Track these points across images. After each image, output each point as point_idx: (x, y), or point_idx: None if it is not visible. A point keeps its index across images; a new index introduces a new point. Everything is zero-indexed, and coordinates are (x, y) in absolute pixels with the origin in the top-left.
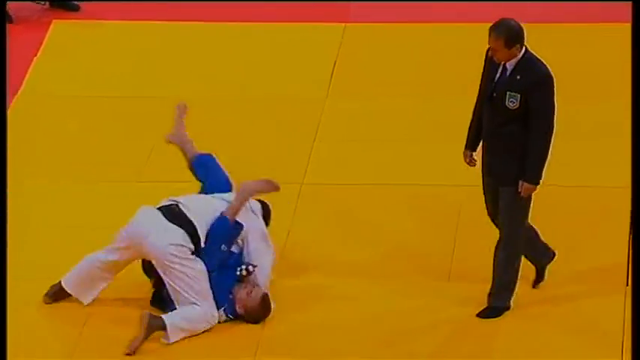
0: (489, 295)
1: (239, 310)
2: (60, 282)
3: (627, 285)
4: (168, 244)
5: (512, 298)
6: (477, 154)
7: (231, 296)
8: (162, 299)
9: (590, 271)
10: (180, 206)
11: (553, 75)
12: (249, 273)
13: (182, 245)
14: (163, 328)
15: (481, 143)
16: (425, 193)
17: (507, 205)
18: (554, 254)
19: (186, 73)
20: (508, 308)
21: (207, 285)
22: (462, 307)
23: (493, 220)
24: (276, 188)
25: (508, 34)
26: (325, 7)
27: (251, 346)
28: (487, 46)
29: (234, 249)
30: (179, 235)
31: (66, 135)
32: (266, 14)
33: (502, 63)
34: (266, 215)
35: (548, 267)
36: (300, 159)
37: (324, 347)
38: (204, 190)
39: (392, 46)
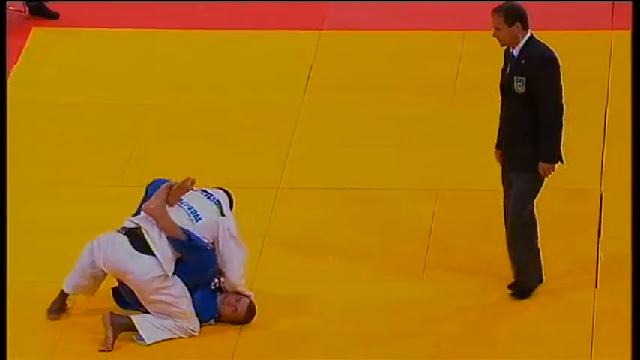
0: (515, 281)
1: (224, 320)
2: (62, 291)
3: (596, 287)
4: (151, 277)
5: (542, 271)
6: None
7: (216, 310)
8: (123, 295)
9: (559, 273)
10: (143, 231)
11: (558, 57)
12: (221, 285)
13: (160, 275)
14: (131, 327)
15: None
16: (397, 196)
17: (516, 189)
18: (541, 280)
19: (163, 79)
20: (541, 281)
21: (189, 306)
22: (437, 305)
23: (504, 204)
24: (185, 189)
25: (507, 10)
26: (301, 14)
27: (228, 348)
28: (458, 53)
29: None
30: (155, 265)
31: (46, 141)
32: (243, 22)
33: (510, 52)
34: (230, 202)
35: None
36: (276, 163)
37: (300, 350)
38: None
39: (366, 52)
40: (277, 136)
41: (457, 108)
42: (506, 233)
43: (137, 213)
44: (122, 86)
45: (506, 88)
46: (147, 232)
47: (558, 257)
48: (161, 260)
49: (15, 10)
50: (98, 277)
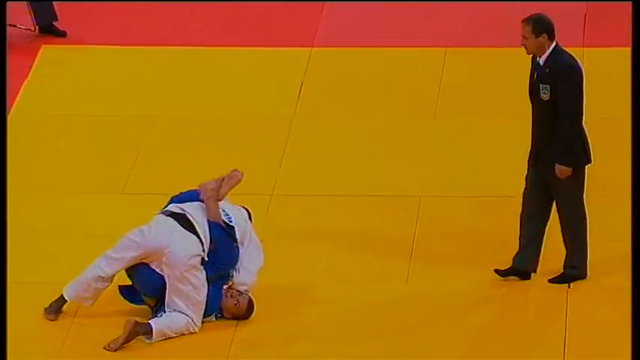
0: (565, 268)
1: (227, 315)
2: (62, 296)
3: (569, 287)
4: (189, 255)
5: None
6: None
7: (220, 307)
8: (130, 289)
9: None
10: (188, 216)
11: (580, 66)
12: (229, 285)
13: (198, 255)
14: (149, 332)
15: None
16: (383, 202)
17: (563, 190)
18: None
19: (164, 93)
20: (585, 276)
21: (204, 296)
22: (420, 305)
23: (523, 198)
24: (237, 177)
25: (536, 21)
26: (293, 33)
27: (224, 347)
28: (440, 68)
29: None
30: (197, 245)
31: (55, 151)
32: (239, 40)
33: (537, 60)
34: (249, 218)
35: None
36: (270, 172)
37: (294, 348)
38: (174, 201)
39: (354, 68)
40: (271, 146)
41: (439, 120)
42: (563, 230)
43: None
44: (125, 99)
45: (534, 94)
46: (191, 216)
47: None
48: (203, 241)
49: (25, 29)
50: (99, 291)
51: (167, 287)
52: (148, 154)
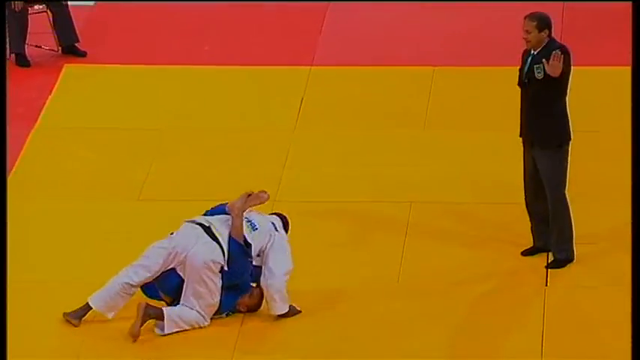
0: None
1: (242, 309)
2: (87, 304)
3: (546, 285)
4: (210, 259)
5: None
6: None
7: (235, 303)
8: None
9: (507, 275)
10: (213, 228)
11: (569, 49)
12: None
13: (218, 262)
14: (160, 316)
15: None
16: (376, 207)
17: (547, 168)
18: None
19: (174, 108)
20: (571, 259)
21: (217, 300)
22: (412, 303)
23: (525, 181)
24: (261, 198)
25: (540, 18)
26: (293, 53)
27: (229, 343)
28: (429, 85)
29: (255, 262)
30: (218, 252)
31: (76, 160)
32: (243, 59)
33: (531, 53)
34: (285, 225)
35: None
36: (272, 180)
37: (300, 345)
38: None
39: (350, 85)
40: (273, 156)
41: (428, 131)
42: (549, 208)
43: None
44: (140, 114)
45: (526, 80)
46: (216, 228)
47: (508, 256)
48: (224, 251)
49: (50, 50)
50: (123, 300)
51: (185, 287)
52: (161, 163)
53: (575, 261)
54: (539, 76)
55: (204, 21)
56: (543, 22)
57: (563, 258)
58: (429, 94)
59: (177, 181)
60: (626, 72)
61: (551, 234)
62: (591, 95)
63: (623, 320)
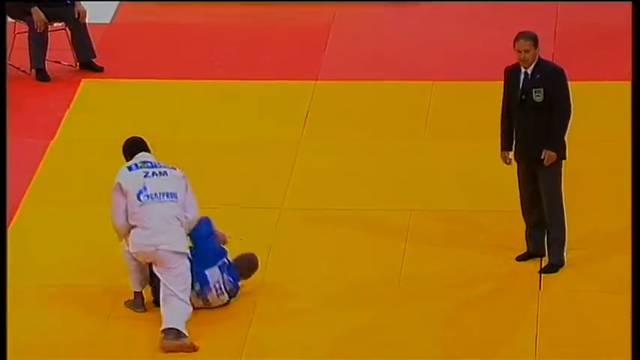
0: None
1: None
2: (135, 293)
3: (540, 289)
4: (180, 249)
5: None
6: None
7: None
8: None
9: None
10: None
11: (564, 69)
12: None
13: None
14: (179, 333)
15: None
16: (378, 215)
17: (548, 181)
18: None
19: (187, 120)
20: (563, 264)
21: (190, 281)
22: (413, 305)
23: (522, 195)
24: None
25: (534, 37)
26: (299, 68)
27: (237, 347)
28: (428, 98)
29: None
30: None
31: (92, 170)
32: (252, 74)
33: (523, 71)
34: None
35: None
36: (279, 189)
37: (303, 349)
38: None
39: (354, 98)
40: (280, 166)
41: (428, 142)
42: (546, 215)
43: None
44: (153, 125)
45: (524, 100)
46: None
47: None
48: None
49: (68, 65)
50: (145, 269)
51: (163, 280)
52: None
53: (567, 266)
54: (538, 99)
55: (213, 38)
56: (537, 40)
57: (557, 262)
58: (428, 106)
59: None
60: (614, 86)
61: (547, 240)
62: (583, 109)
63: (616, 322)
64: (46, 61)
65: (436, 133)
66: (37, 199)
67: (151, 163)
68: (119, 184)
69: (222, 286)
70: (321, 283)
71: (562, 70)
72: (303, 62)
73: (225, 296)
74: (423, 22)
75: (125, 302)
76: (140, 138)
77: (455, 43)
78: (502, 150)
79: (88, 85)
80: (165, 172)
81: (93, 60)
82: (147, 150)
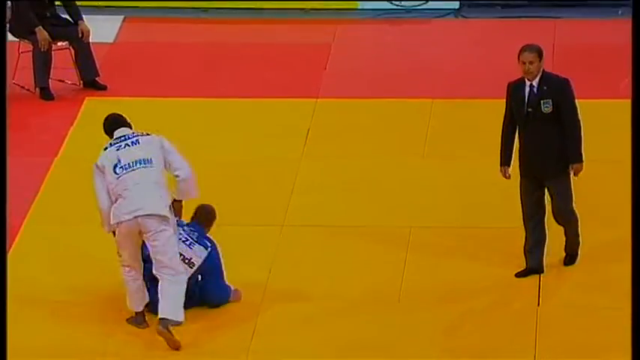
0: (566, 257)
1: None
2: (138, 311)
3: (538, 305)
4: (160, 212)
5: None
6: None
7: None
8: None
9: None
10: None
11: (569, 79)
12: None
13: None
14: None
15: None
16: (378, 232)
17: (560, 191)
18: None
19: (189, 138)
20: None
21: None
22: (413, 319)
23: (526, 208)
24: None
25: (539, 49)
26: (300, 86)
27: (243, 346)
28: (427, 116)
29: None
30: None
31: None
32: (254, 92)
33: (528, 84)
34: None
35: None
36: (280, 206)
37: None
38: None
39: (354, 116)
40: (282, 183)
41: (427, 159)
42: (561, 222)
43: None
44: None
45: (531, 112)
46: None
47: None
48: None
49: (72, 84)
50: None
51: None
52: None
53: (566, 281)
54: (547, 110)
55: (215, 56)
56: (542, 52)
57: (576, 254)
58: (427, 124)
59: (193, 204)
60: (612, 105)
61: (566, 239)
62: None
63: (616, 336)
64: (49, 80)
65: (435, 150)
66: (41, 217)
67: (124, 136)
68: (96, 166)
69: (187, 236)
70: (322, 298)
71: (568, 81)
72: (304, 80)
73: (197, 247)
74: (422, 40)
75: (127, 319)
76: (117, 114)
77: (454, 61)
78: (502, 165)
79: (91, 103)
80: (137, 140)
81: (96, 79)
82: (125, 125)
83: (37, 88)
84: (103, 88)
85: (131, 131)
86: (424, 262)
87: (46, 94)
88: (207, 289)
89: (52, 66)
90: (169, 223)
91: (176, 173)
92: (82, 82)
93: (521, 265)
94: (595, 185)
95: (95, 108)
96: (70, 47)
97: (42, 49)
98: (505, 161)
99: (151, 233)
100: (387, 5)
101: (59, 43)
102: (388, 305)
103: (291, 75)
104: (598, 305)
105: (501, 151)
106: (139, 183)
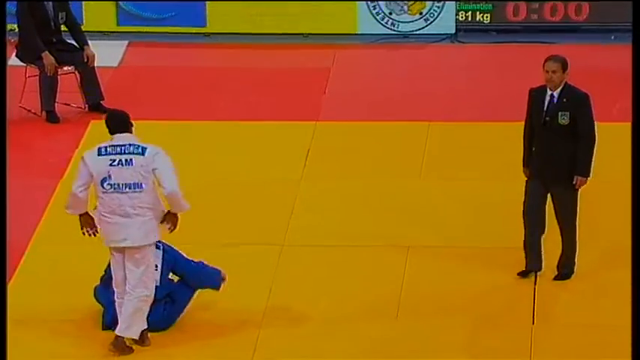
0: (559, 266)
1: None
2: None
3: (533, 323)
4: (142, 243)
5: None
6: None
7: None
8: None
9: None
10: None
11: (589, 95)
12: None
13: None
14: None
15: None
16: (377, 250)
17: (566, 202)
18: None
19: (193, 159)
20: (573, 273)
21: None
22: (410, 336)
23: (528, 208)
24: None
25: (563, 60)
26: (301, 109)
27: (249, 348)
28: (424, 139)
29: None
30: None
31: None
32: (255, 115)
33: (549, 93)
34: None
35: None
36: (281, 226)
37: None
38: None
39: (353, 138)
40: (282, 203)
41: (424, 181)
42: (561, 231)
43: None
44: None
45: (548, 121)
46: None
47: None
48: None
49: (77, 107)
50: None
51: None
52: None
53: (560, 299)
54: (564, 122)
55: (217, 80)
56: (566, 63)
57: (569, 272)
58: (424, 147)
59: (196, 223)
60: (606, 127)
61: (561, 258)
62: None
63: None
64: (55, 104)
65: (432, 172)
66: (47, 238)
67: (121, 147)
68: (87, 165)
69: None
70: (322, 315)
71: (588, 96)
72: (305, 103)
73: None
74: (420, 64)
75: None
76: (123, 114)
77: (450, 85)
78: (524, 166)
79: (96, 126)
80: (130, 160)
81: (101, 102)
82: (128, 128)
83: (43, 112)
84: (108, 111)
85: (130, 140)
86: (421, 281)
87: (52, 117)
88: (192, 278)
89: (58, 90)
90: (147, 247)
91: (162, 190)
92: (87, 105)
93: (518, 284)
94: (588, 204)
95: (100, 131)
96: (76, 72)
97: (48, 74)
98: (527, 162)
99: (134, 257)
100: (385, 30)
101: (65, 68)
102: (386, 320)
103: (292, 98)
104: (593, 323)
105: (524, 152)
106: (125, 208)
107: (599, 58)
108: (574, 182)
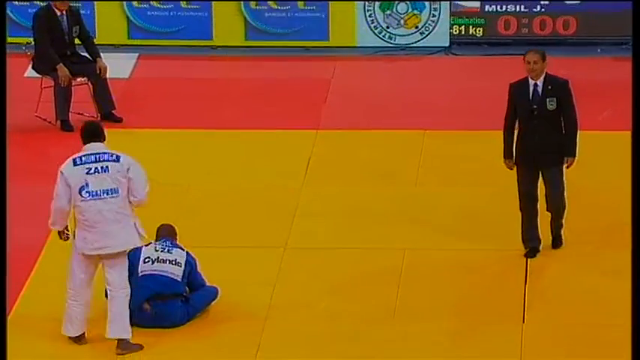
0: (553, 238)
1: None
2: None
3: (523, 322)
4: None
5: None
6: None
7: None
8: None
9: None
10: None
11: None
12: None
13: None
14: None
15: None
16: (374, 253)
17: (556, 180)
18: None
19: (197, 167)
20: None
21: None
22: (407, 337)
23: (526, 194)
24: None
25: (542, 52)
26: (302, 118)
27: (252, 347)
28: (420, 146)
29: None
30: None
31: None
32: (258, 124)
33: (532, 83)
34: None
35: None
36: (283, 230)
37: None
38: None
39: (352, 146)
40: (284, 209)
41: (419, 188)
42: (551, 208)
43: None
44: (167, 171)
45: (537, 109)
46: None
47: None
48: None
49: (89, 116)
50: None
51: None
52: (186, 214)
53: (551, 298)
54: (552, 107)
55: (222, 91)
56: (544, 55)
57: (560, 234)
58: (420, 154)
59: (200, 229)
60: (591, 136)
61: (554, 226)
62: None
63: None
64: (69, 113)
65: (427, 179)
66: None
67: (95, 156)
68: (64, 177)
69: (162, 246)
70: (323, 313)
71: (568, 82)
72: (306, 113)
73: (175, 250)
74: (415, 75)
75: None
76: (96, 125)
77: (444, 95)
78: (505, 158)
79: (108, 134)
80: (106, 167)
81: (113, 112)
82: (99, 137)
83: (57, 121)
84: (119, 120)
85: (102, 149)
86: (417, 282)
87: (66, 126)
88: (197, 299)
89: (72, 100)
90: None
91: (130, 198)
92: (99, 114)
93: (513, 285)
94: (576, 210)
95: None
96: (89, 83)
97: (62, 85)
98: (508, 154)
99: (112, 263)
100: (382, 43)
101: (78, 79)
102: (384, 324)
103: (294, 108)
104: (585, 322)
105: (504, 145)
106: (105, 214)
107: (586, 70)
108: (566, 163)
